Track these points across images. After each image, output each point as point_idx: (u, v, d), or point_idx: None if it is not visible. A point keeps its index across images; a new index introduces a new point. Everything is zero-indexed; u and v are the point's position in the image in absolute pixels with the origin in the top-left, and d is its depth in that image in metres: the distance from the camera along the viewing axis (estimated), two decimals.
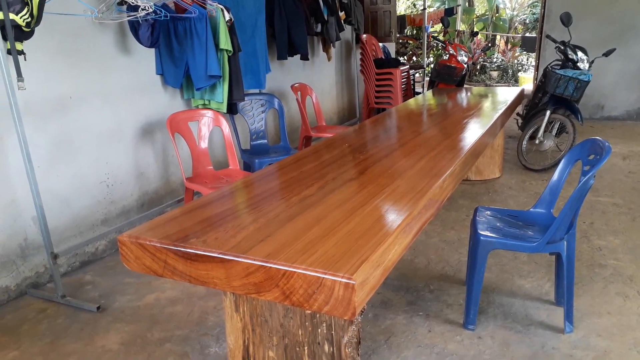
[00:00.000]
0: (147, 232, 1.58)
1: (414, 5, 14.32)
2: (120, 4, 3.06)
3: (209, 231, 1.57)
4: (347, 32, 6.80)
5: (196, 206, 1.80)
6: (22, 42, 2.49)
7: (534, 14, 14.12)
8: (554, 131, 4.92)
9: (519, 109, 6.30)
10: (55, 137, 2.97)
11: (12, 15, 2.33)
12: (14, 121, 2.48)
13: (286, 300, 1.34)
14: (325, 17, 5.52)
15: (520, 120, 5.58)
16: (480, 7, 14.87)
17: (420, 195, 1.82)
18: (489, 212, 2.56)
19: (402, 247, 1.60)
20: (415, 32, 12.55)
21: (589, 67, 4.82)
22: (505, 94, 4.40)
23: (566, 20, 4.70)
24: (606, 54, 4.80)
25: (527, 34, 13.25)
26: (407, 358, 2.16)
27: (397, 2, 8.36)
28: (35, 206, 2.62)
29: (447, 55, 6.41)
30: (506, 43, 13.64)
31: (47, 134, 2.92)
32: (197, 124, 3.53)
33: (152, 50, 3.58)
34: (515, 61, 12.86)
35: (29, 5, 2.38)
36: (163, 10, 3.22)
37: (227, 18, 3.49)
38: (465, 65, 6.28)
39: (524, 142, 4.93)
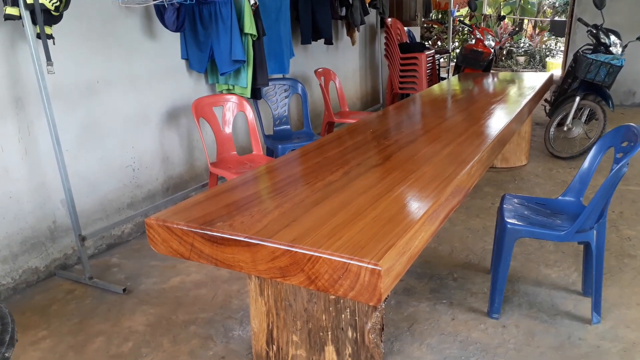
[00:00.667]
0: (174, 216, 1.59)
1: None
2: None
3: (234, 215, 1.57)
4: (372, 16, 6.71)
5: (221, 191, 1.81)
6: (51, 26, 2.51)
7: None
8: (583, 118, 4.80)
9: (547, 95, 6.15)
10: (83, 121, 3.01)
11: (41, 0, 2.36)
12: (44, 105, 2.51)
13: (311, 285, 1.34)
14: (350, 1, 5.45)
15: (548, 107, 5.45)
16: None
17: (447, 182, 1.80)
18: (516, 200, 2.51)
19: (429, 235, 1.58)
20: (440, 16, 12.32)
21: (622, 51, 4.67)
22: (533, 80, 4.30)
23: (599, 2, 4.55)
24: None
25: (557, 18, 12.90)
26: (430, 345, 2.15)
27: None
28: (64, 189, 2.67)
29: (474, 40, 6.28)
30: (534, 27, 13.30)
31: (76, 118, 2.96)
32: (221, 109, 3.54)
33: (178, 34, 3.58)
34: (543, 46, 12.54)
35: None
36: None
37: (252, 2, 3.47)
38: (492, 50, 6.14)
39: (552, 129, 4.82)
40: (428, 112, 3.13)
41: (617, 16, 6.61)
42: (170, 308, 2.54)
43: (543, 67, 11.87)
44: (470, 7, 6.13)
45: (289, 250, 1.35)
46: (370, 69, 6.96)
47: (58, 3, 2.43)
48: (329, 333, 1.71)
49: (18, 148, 2.69)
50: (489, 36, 6.26)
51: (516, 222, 2.21)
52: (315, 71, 4.71)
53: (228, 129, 3.52)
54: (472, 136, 2.43)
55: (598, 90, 4.59)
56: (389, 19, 6.57)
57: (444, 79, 7.07)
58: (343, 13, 5.61)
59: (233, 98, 3.53)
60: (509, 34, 9.72)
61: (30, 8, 2.36)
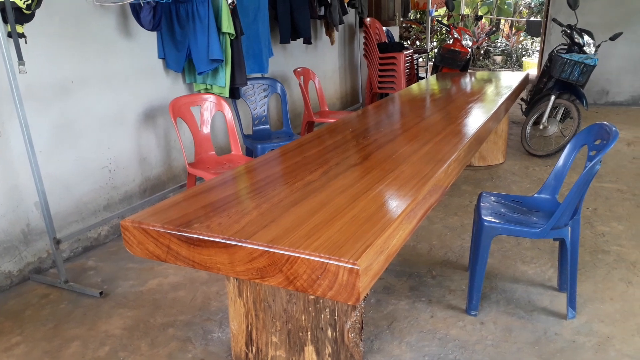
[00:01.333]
0: (150, 217, 1.57)
1: None
2: None
3: (212, 216, 1.56)
4: (351, 16, 6.72)
5: (199, 191, 1.79)
6: (22, 25, 2.46)
7: None
8: (559, 116, 4.88)
9: (523, 94, 6.25)
10: (57, 122, 2.95)
11: None
12: (15, 105, 2.45)
13: (290, 286, 1.33)
14: (329, 0, 5.46)
15: (524, 106, 5.54)
16: None
17: (424, 180, 1.81)
18: (493, 198, 2.54)
19: (406, 233, 1.59)
20: (419, 16, 12.42)
21: (595, 51, 4.77)
22: (510, 79, 4.36)
23: (573, 3, 4.64)
24: (613, 38, 4.74)
25: (532, 18, 13.11)
26: (409, 343, 2.16)
27: None
28: (37, 191, 2.61)
29: (451, 40, 6.34)
30: (510, 27, 13.49)
31: (49, 118, 2.90)
32: (199, 108, 3.51)
33: (154, 33, 3.54)
34: (520, 46, 12.73)
35: None
36: None
37: (230, 1, 3.45)
38: (470, 50, 6.21)
39: (528, 128, 4.90)
40: (406, 112, 3.14)
41: (591, 16, 6.75)
42: (148, 311, 2.50)
43: (520, 66, 12.05)
44: (447, 7, 6.19)
45: (267, 251, 1.35)
46: (350, 68, 6.98)
47: (30, 1, 2.38)
48: (309, 333, 1.70)
49: None
50: (467, 36, 6.32)
51: (493, 220, 2.24)
52: (295, 71, 4.70)
53: (206, 129, 3.49)
54: (449, 135, 2.45)
55: (572, 89, 4.68)
56: (368, 19, 6.59)
57: (422, 78, 7.12)
58: (322, 12, 5.60)
59: (211, 98, 3.50)
60: (486, 34, 9.84)
61: (1, 6, 2.30)
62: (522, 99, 5.69)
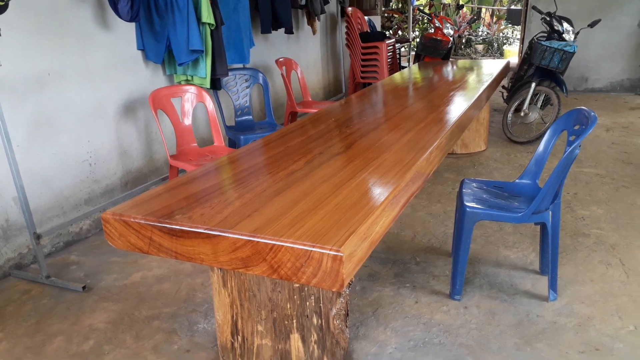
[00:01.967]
0: (131, 209, 1.56)
1: None
2: None
3: (194, 207, 1.55)
4: (332, 5, 6.69)
5: (180, 183, 1.78)
6: None
7: None
8: (539, 103, 4.94)
9: (505, 82, 6.30)
10: (34, 116, 2.90)
11: None
12: None
13: (274, 274, 1.33)
14: None
15: (505, 93, 5.59)
16: None
17: (406, 168, 1.82)
18: (475, 184, 2.57)
19: (389, 220, 1.60)
20: (400, 5, 12.41)
21: (575, 38, 4.82)
22: (491, 67, 4.39)
23: None
24: (591, 25, 4.80)
25: (513, 7, 13.19)
26: (394, 329, 2.18)
27: None
28: (15, 186, 2.57)
29: (433, 29, 6.36)
30: (491, 16, 13.57)
31: (26, 112, 2.85)
32: (180, 100, 3.47)
33: (132, 24, 3.48)
34: (501, 34, 12.82)
35: None
36: None
37: None
38: (451, 39, 6.23)
39: (509, 115, 4.94)
40: (389, 101, 3.15)
41: (570, 4, 6.82)
42: (132, 304, 2.49)
43: (501, 54, 12.14)
44: None
45: (250, 240, 1.34)
46: (332, 58, 6.96)
47: None
48: (294, 321, 1.71)
49: None
50: (448, 25, 6.34)
51: (475, 206, 2.26)
52: (277, 61, 4.67)
53: (187, 121, 3.45)
54: (431, 123, 2.46)
55: (552, 76, 4.73)
56: (349, 8, 6.57)
57: (404, 67, 7.14)
58: (303, 2, 5.57)
59: (192, 89, 3.47)
60: (467, 23, 9.89)
61: None
62: (503, 87, 5.74)
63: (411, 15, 8.34)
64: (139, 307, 2.46)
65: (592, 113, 2.09)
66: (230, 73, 4.04)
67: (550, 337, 2.08)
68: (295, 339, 1.73)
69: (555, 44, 4.57)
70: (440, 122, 2.47)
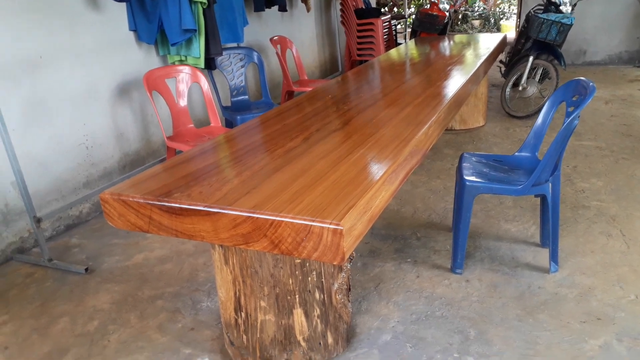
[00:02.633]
0: (130, 189, 1.55)
1: None
2: None
3: (192, 185, 1.54)
4: None
5: (178, 162, 1.77)
6: None
7: None
8: (537, 77, 4.90)
9: (502, 56, 6.25)
10: (28, 99, 2.87)
11: None
12: None
13: (275, 250, 1.33)
14: None
15: (503, 68, 5.54)
16: None
17: (404, 143, 1.81)
18: (474, 158, 2.56)
19: (389, 194, 1.59)
20: None
21: (572, 10, 4.77)
22: (488, 41, 4.34)
23: None
24: None
25: None
26: (396, 303, 2.20)
27: None
28: (13, 171, 2.55)
29: (429, 4, 6.28)
30: None
31: (20, 95, 2.82)
32: (174, 81, 3.44)
33: (123, 5, 3.42)
34: (497, 9, 12.67)
35: None
36: None
37: None
38: (447, 14, 6.16)
39: (507, 90, 4.91)
40: (386, 77, 3.12)
41: None
42: (135, 285, 2.50)
43: (498, 30, 12.01)
44: None
45: (250, 216, 1.34)
46: (327, 36, 6.88)
47: None
48: (297, 296, 1.72)
49: None
50: (444, 0, 6.26)
51: (474, 179, 2.26)
52: (271, 39, 4.61)
53: (183, 102, 3.43)
54: (428, 98, 2.44)
55: (550, 50, 4.69)
56: None
57: (400, 44, 7.07)
58: None
59: (186, 69, 3.43)
60: None
61: None
62: (500, 61, 5.69)
63: None
64: (142, 287, 2.47)
65: (591, 83, 2.07)
66: (224, 52, 4.00)
67: (551, 308, 2.10)
68: (298, 314, 1.74)
69: (552, 16, 4.52)
70: (438, 96, 2.45)
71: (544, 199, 2.34)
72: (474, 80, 3.01)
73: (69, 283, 2.56)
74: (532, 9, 5.21)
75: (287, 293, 1.70)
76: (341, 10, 6.59)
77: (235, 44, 4.47)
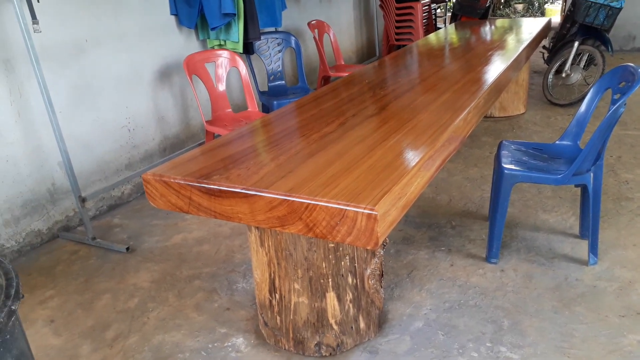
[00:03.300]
0: (171, 171, 1.59)
1: None
2: None
3: (231, 168, 1.57)
4: None
5: (216, 145, 1.80)
6: None
7: None
8: (582, 64, 4.73)
9: (546, 42, 6.05)
10: (75, 82, 2.97)
11: None
12: (33, 66, 2.47)
13: (310, 233, 1.35)
14: None
15: (546, 54, 5.37)
16: None
17: (442, 129, 1.79)
18: (513, 146, 2.51)
19: (424, 181, 1.58)
20: None
21: None
22: (531, 26, 4.21)
23: None
24: None
25: None
26: (429, 290, 2.20)
27: None
28: (60, 151, 2.66)
29: None
30: None
31: (66, 78, 2.92)
32: (213, 65, 3.48)
33: None
34: None
35: None
36: None
37: None
38: None
39: (550, 76, 4.76)
40: (424, 62, 3.08)
41: None
42: (174, 264, 2.58)
43: (542, 14, 11.61)
44: None
45: (286, 199, 1.36)
46: (365, 20, 6.81)
47: None
48: (330, 280, 1.74)
49: (11, 111, 2.66)
50: None
51: (513, 167, 2.22)
52: (309, 23, 4.61)
53: (222, 86, 3.47)
54: (468, 84, 2.40)
55: (597, 35, 4.51)
56: None
57: (440, 28, 6.93)
58: None
59: (225, 53, 3.47)
60: None
61: None
62: (544, 47, 5.51)
63: None
64: (180, 267, 2.55)
65: (639, 69, 2.00)
66: (262, 37, 4.02)
67: (589, 301, 2.05)
68: (331, 298, 1.77)
69: None
70: (477, 82, 2.41)
71: (584, 189, 2.27)
72: (514, 66, 2.93)
73: (111, 261, 2.66)
74: None
75: (320, 276, 1.73)
76: None
77: (273, 29, 4.49)
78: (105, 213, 3.24)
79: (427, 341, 1.90)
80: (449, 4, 9.72)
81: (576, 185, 2.28)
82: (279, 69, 4.19)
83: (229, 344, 1.99)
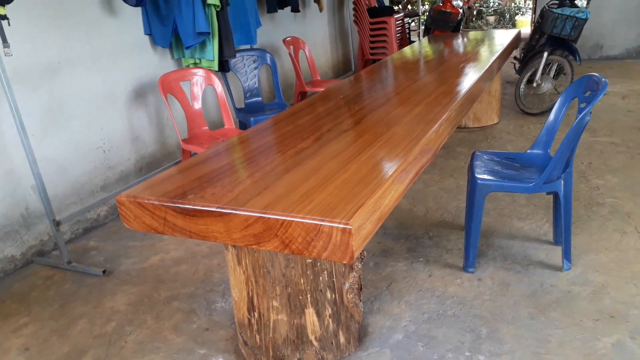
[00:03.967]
0: (145, 191, 1.59)
1: None
2: None
3: (206, 187, 1.57)
4: None
5: (192, 164, 1.80)
6: (4, 6, 2.42)
7: None
8: (552, 73, 4.85)
9: (516, 52, 6.20)
10: (47, 104, 2.94)
11: None
12: (4, 88, 2.44)
13: (286, 249, 1.36)
14: None
15: (517, 64, 5.50)
16: None
17: (415, 141, 1.82)
18: (486, 156, 2.55)
19: (398, 193, 1.60)
20: None
21: (587, 4, 4.71)
22: (501, 37, 4.31)
23: None
24: None
25: None
26: (408, 302, 2.21)
27: None
28: (33, 174, 2.62)
29: (442, 1, 6.25)
30: None
31: (38, 100, 2.89)
32: (189, 83, 3.48)
33: (139, 9, 3.49)
34: (513, 4, 12.55)
35: None
36: None
37: None
38: (461, 10, 6.13)
39: (522, 86, 4.87)
40: (398, 75, 3.13)
41: None
42: (152, 286, 2.54)
43: (513, 25, 11.90)
44: None
45: (261, 217, 1.36)
46: (340, 35, 6.90)
47: None
48: (308, 296, 1.74)
49: None
50: None
51: (486, 177, 2.26)
52: (284, 40, 4.65)
53: (197, 104, 3.47)
54: (440, 96, 2.45)
55: (565, 45, 4.64)
56: None
57: (414, 42, 7.05)
58: None
59: (200, 72, 3.48)
60: None
61: None
62: (515, 58, 5.64)
63: None
64: (158, 288, 2.52)
65: (603, 79, 2.06)
66: (237, 54, 4.04)
67: (564, 306, 2.09)
68: (310, 314, 1.77)
69: (567, 10, 4.47)
70: (449, 94, 2.45)
71: (556, 196, 2.32)
72: (486, 77, 3.00)
73: (88, 285, 2.62)
74: (547, 3, 5.15)
75: (298, 293, 1.73)
76: (354, 9, 6.60)
77: (248, 46, 4.51)
78: (80, 236, 3.19)
79: (407, 353, 1.91)
80: (422, 17, 9.90)
81: (548, 193, 2.33)
82: (255, 86, 4.21)
83: None
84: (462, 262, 2.48)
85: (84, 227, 3.23)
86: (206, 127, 3.50)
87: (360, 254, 1.87)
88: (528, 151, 2.53)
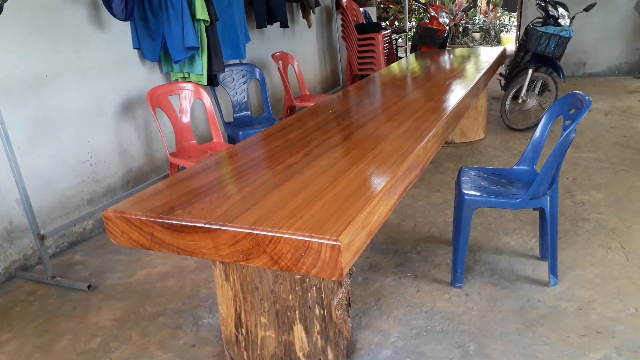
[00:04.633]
0: (132, 206, 1.57)
1: None
2: None
3: (194, 202, 1.56)
4: None
5: (180, 179, 1.79)
6: None
7: None
8: (537, 90, 4.94)
9: (502, 69, 6.30)
10: (34, 117, 2.91)
11: None
12: None
13: (275, 265, 1.35)
14: None
15: (503, 81, 5.58)
16: None
17: (403, 157, 1.83)
18: (473, 172, 2.58)
19: (387, 209, 1.61)
20: None
21: (570, 23, 4.81)
22: (487, 54, 4.38)
23: None
24: (587, 9, 4.79)
25: None
26: (397, 317, 2.20)
27: None
28: (18, 188, 2.59)
29: (429, 18, 6.35)
30: (487, 3, 13.51)
31: (25, 114, 2.86)
32: (177, 97, 3.48)
33: (128, 23, 3.49)
34: (498, 22, 12.77)
35: None
36: None
37: None
38: (447, 27, 6.22)
39: (507, 102, 4.94)
40: (386, 91, 3.16)
41: None
42: (138, 301, 2.51)
43: (498, 42, 12.10)
44: None
45: (250, 233, 1.36)
46: (329, 51, 6.95)
47: None
48: (297, 312, 1.73)
49: None
50: (443, 13, 6.33)
51: (473, 193, 2.28)
52: (273, 55, 4.67)
53: (186, 118, 3.47)
54: (427, 112, 2.47)
55: (549, 62, 4.73)
56: (345, 0, 6.56)
57: (401, 58, 7.13)
58: None
59: (189, 86, 3.48)
60: (463, 11, 9.87)
61: None
62: (500, 74, 5.73)
63: (407, 6, 8.32)
64: (144, 304, 2.48)
65: (587, 97, 2.10)
66: (226, 69, 4.05)
67: (551, 322, 2.10)
68: (298, 330, 1.76)
69: (550, 29, 4.57)
70: (436, 110, 2.48)
71: (542, 212, 2.35)
72: (473, 93, 3.04)
73: (72, 300, 2.58)
74: (531, 22, 5.26)
75: (287, 309, 1.72)
76: (342, 25, 6.67)
77: (237, 61, 4.53)
78: (65, 250, 3.15)
79: None
80: (409, 34, 10.02)
81: (534, 209, 2.36)
82: (244, 100, 4.22)
83: None
84: (450, 277, 2.48)
85: (70, 241, 3.19)
86: (194, 141, 3.50)
87: (349, 269, 1.87)
88: (514, 167, 2.56)
